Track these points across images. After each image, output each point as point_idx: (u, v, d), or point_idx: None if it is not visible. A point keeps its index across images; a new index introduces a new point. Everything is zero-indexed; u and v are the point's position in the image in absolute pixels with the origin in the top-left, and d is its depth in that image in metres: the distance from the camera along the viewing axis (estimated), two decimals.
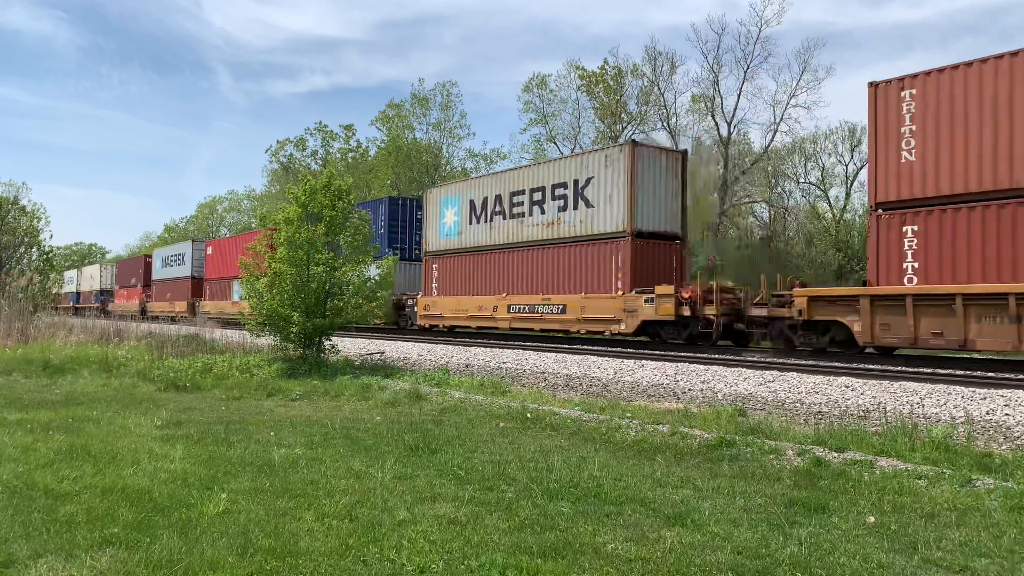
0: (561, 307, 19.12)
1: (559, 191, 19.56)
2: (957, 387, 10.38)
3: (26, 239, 40.00)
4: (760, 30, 40.55)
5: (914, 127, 13.38)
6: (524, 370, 15.45)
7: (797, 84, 40.40)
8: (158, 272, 45.10)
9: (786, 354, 15.03)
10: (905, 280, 13.29)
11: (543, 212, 19.84)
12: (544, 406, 10.69)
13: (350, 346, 20.63)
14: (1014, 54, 12.30)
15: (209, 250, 38.92)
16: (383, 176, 53.01)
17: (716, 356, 15.31)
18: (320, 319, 16.12)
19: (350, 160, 56.35)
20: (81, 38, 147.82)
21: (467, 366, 16.54)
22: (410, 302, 25.50)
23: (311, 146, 57.75)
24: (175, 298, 41.52)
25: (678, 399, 12.27)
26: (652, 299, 17.01)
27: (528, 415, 9.77)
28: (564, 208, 19.34)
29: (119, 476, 6.27)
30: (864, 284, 14.30)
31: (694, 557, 4.50)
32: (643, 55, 57.49)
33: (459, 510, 5.42)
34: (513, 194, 20.97)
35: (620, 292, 17.77)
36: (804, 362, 14.14)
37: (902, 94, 13.58)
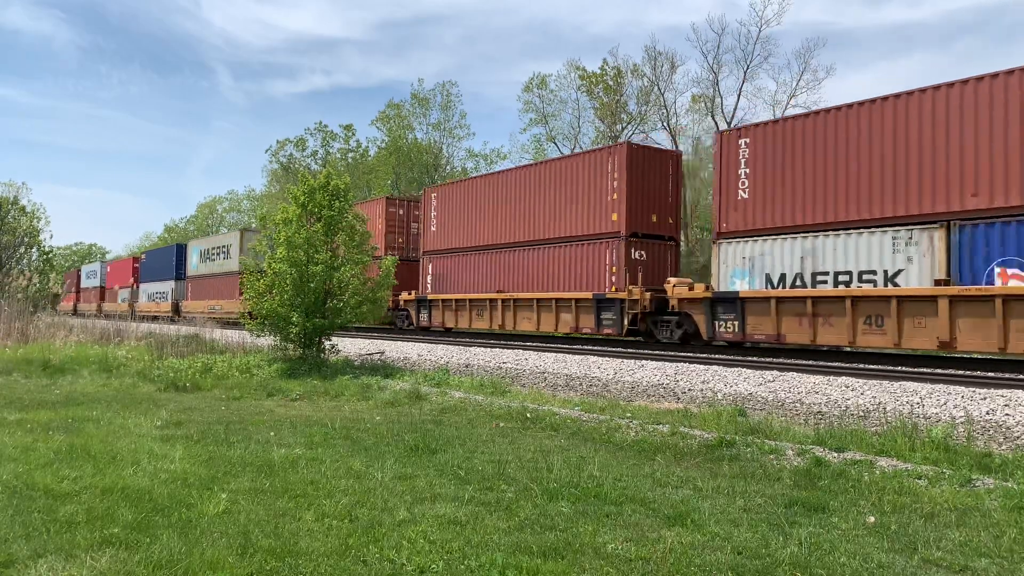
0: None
1: None
2: (957, 387, 10.38)
3: (26, 239, 40.03)
4: (760, 30, 40.59)
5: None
6: (524, 370, 15.44)
7: (797, 84, 40.49)
8: (84, 282, 60.01)
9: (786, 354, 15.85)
10: None
11: None
12: (544, 406, 10.69)
13: (350, 346, 20.63)
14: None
15: (108, 268, 56.60)
16: (383, 176, 53.03)
17: (716, 356, 15.33)
18: (320, 319, 16.11)
19: (350, 160, 56.35)
20: (81, 38, 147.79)
21: (467, 366, 16.54)
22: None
23: (311, 146, 57.80)
24: (92, 300, 56.68)
25: (678, 399, 12.27)
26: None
27: (528, 415, 9.77)
28: None
29: (119, 476, 6.27)
30: None
31: (694, 557, 4.50)
32: (643, 55, 57.53)
33: (459, 510, 5.42)
34: None
35: None
36: (804, 362, 14.15)
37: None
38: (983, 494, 6.04)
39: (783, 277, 14.89)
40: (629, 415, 10.00)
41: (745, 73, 41.03)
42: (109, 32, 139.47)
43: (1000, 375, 11.66)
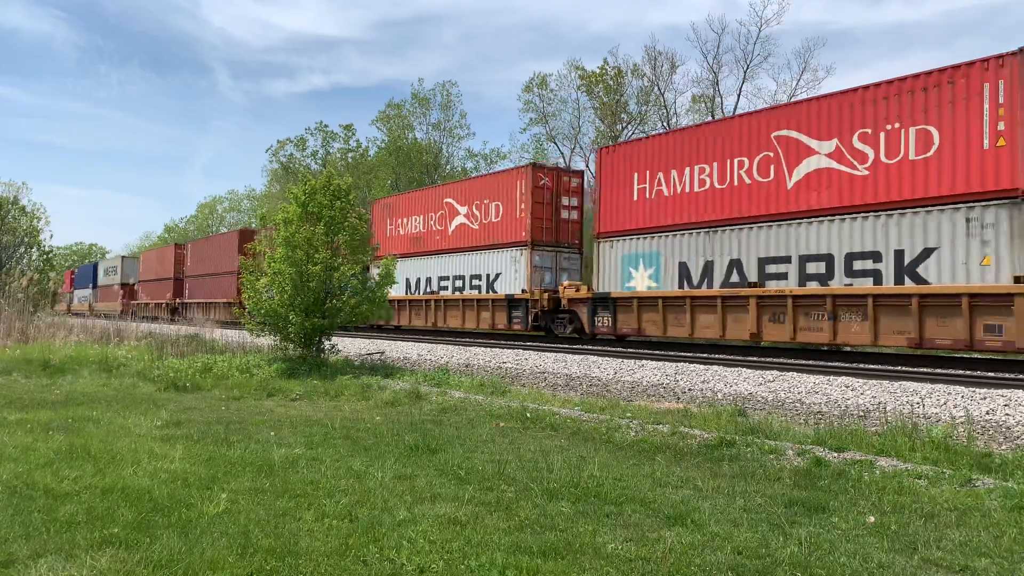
0: None
1: None
2: (957, 387, 10.38)
3: (26, 239, 40.04)
4: (760, 30, 40.58)
5: None
6: (524, 370, 15.44)
7: (797, 84, 40.40)
8: None
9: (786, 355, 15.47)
10: None
11: None
12: (544, 406, 10.68)
13: (350, 346, 20.63)
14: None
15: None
16: (383, 176, 53.02)
17: (716, 356, 15.32)
18: (319, 319, 16.11)
19: (350, 160, 56.36)
20: (80, 37, 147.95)
21: (467, 366, 16.54)
22: None
23: (311, 146, 57.80)
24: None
25: (678, 399, 12.27)
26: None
27: (528, 415, 9.77)
28: None
29: (119, 476, 6.26)
30: None
31: (694, 557, 4.50)
32: (643, 55, 57.53)
33: (459, 510, 5.41)
34: None
35: None
36: (804, 362, 14.15)
37: None
38: (983, 494, 6.04)
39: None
40: (629, 415, 10.00)
41: (745, 73, 41.05)
42: (108, 31, 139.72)
43: (1000, 375, 11.67)
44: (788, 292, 14.74)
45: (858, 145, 14.09)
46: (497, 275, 22.43)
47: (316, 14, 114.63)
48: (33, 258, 40.85)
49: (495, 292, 22.40)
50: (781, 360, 14.58)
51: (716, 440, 8.03)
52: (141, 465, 6.69)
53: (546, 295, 21.25)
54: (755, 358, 15.05)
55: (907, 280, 13.20)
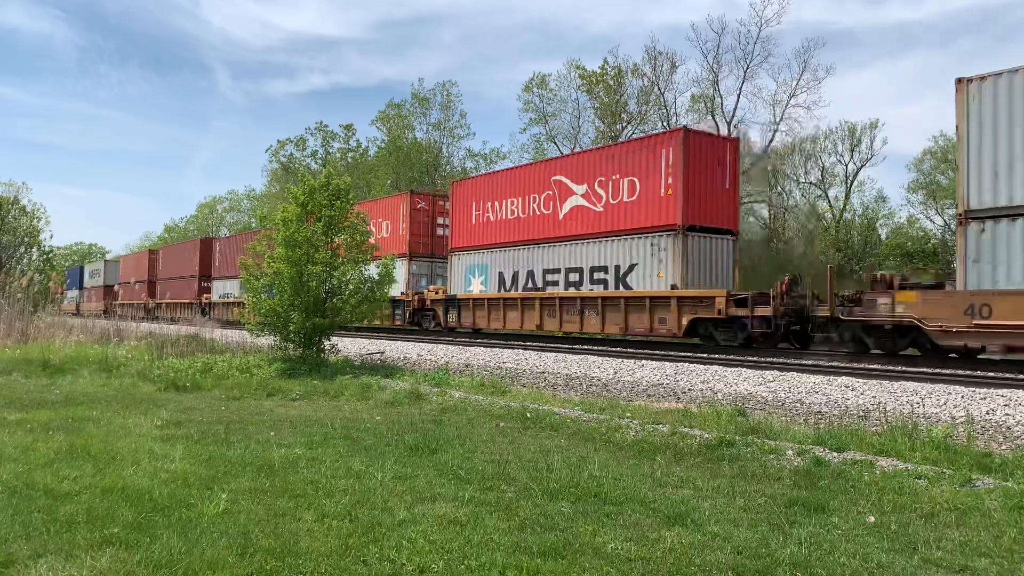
0: None
1: None
2: (957, 387, 10.38)
3: (26, 239, 40.12)
4: (760, 30, 40.58)
5: None
6: (524, 370, 15.45)
7: (797, 84, 40.43)
8: None
9: (787, 354, 15.79)
10: None
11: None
12: (544, 406, 10.68)
13: (350, 346, 20.63)
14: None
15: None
16: (383, 176, 53.02)
17: (716, 356, 15.33)
18: (319, 318, 16.10)
19: (350, 160, 56.38)
20: (80, 37, 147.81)
21: (467, 366, 16.54)
22: None
23: (311, 146, 57.84)
24: None
25: (678, 399, 12.27)
26: None
27: (528, 415, 9.77)
28: None
29: (119, 476, 6.27)
30: None
31: (694, 557, 4.50)
32: (643, 55, 57.50)
33: (459, 510, 5.42)
34: None
35: None
36: (804, 362, 14.16)
37: None
38: (983, 494, 6.04)
39: None
40: (629, 415, 10.00)
41: (745, 73, 41.07)
42: (108, 31, 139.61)
43: (1000, 375, 11.67)
44: (557, 295, 20.23)
45: (598, 189, 19.41)
46: None
47: (316, 14, 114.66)
48: (33, 258, 40.93)
49: None
50: (781, 360, 14.59)
51: (716, 440, 8.03)
52: (141, 465, 6.69)
53: (416, 297, 25.83)
54: (755, 358, 15.06)
55: (621, 287, 18.56)
